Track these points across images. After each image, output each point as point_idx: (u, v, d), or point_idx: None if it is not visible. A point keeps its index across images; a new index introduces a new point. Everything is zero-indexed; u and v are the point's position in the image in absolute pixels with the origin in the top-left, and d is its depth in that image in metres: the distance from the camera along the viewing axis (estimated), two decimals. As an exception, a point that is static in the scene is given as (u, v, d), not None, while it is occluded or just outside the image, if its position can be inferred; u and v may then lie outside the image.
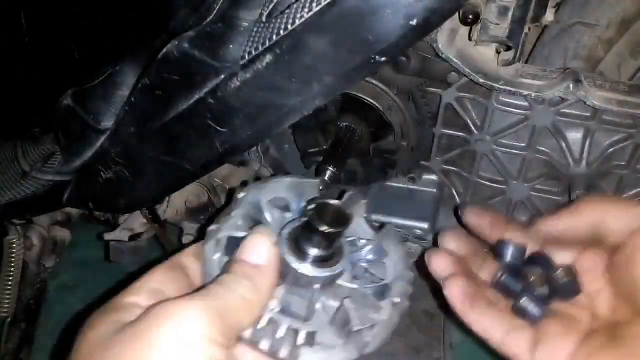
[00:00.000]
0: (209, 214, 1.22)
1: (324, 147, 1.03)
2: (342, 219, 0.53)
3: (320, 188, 0.63)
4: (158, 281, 0.52)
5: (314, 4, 0.68)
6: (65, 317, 1.65)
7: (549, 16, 0.82)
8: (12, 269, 1.27)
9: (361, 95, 0.96)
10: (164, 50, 0.78)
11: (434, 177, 1.09)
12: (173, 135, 0.85)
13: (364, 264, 0.60)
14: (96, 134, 0.95)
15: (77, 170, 1.01)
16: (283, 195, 0.61)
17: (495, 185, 1.02)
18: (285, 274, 0.53)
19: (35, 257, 1.29)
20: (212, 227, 0.56)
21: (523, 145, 0.95)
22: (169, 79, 0.80)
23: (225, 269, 0.51)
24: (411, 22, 0.66)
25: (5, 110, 1.16)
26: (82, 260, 1.82)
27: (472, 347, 1.51)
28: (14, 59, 1.08)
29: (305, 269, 0.53)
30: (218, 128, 0.81)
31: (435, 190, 1.10)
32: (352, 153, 1.00)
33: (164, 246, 1.27)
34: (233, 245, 0.54)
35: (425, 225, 1.07)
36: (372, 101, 0.96)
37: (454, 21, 0.81)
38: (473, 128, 0.95)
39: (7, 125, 1.19)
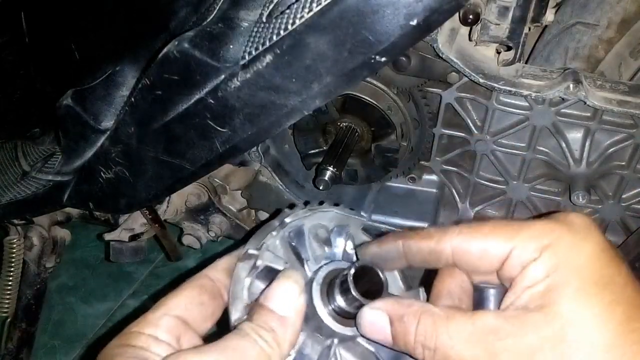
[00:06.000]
0: (209, 214, 1.22)
1: (324, 147, 1.03)
2: (377, 290, 0.53)
3: (363, 227, 0.62)
4: (182, 307, 0.51)
5: (314, 4, 0.68)
6: (65, 317, 1.66)
7: (549, 16, 0.82)
8: (12, 269, 1.27)
9: (361, 95, 0.96)
10: (164, 50, 0.78)
11: (434, 177, 1.09)
12: (173, 135, 0.85)
13: None
14: (96, 134, 0.95)
15: (77, 170, 1.01)
16: (325, 224, 0.60)
17: (495, 185, 1.02)
18: (309, 316, 0.53)
19: (35, 257, 1.29)
20: (252, 251, 0.54)
21: (523, 145, 0.95)
22: (169, 79, 0.80)
23: (249, 314, 0.50)
24: (411, 22, 0.66)
25: (5, 110, 1.16)
26: (82, 260, 1.83)
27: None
28: (14, 59, 1.08)
29: (331, 320, 0.52)
30: (218, 128, 0.81)
31: (435, 190, 1.10)
32: (353, 152, 1.01)
33: (164, 246, 1.27)
34: (265, 272, 0.53)
35: (425, 225, 1.07)
36: (372, 101, 0.96)
37: (454, 21, 0.81)
38: (473, 128, 0.95)
39: (7, 125, 1.19)
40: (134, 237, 1.20)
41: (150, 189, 0.94)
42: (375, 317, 0.51)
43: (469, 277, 0.53)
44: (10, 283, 1.27)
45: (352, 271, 0.51)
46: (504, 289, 0.49)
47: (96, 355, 0.48)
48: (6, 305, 1.28)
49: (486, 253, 0.48)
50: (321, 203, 0.61)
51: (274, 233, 0.56)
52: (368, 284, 0.52)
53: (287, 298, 0.50)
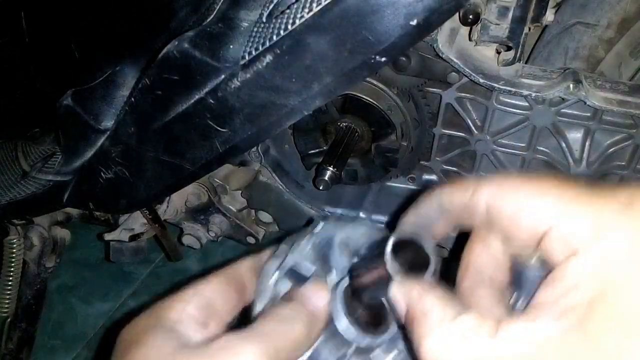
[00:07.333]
0: (209, 214, 1.22)
1: (324, 147, 1.03)
2: (421, 268, 0.50)
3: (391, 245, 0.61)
4: (210, 294, 0.50)
5: (314, 4, 0.68)
6: (65, 317, 1.66)
7: (549, 16, 0.82)
8: (12, 269, 1.27)
9: (361, 95, 0.96)
10: (164, 50, 0.78)
11: (434, 177, 1.09)
12: (173, 135, 0.85)
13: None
14: (96, 134, 0.95)
15: (77, 170, 1.01)
16: (357, 238, 0.60)
17: (495, 185, 1.02)
18: (326, 325, 0.53)
19: (35, 257, 1.29)
20: (284, 248, 0.56)
21: (523, 145, 0.95)
22: (169, 79, 0.80)
23: (287, 298, 0.51)
24: (411, 22, 0.66)
25: (5, 110, 1.16)
26: (82, 260, 1.83)
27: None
28: (14, 59, 1.08)
29: (347, 328, 0.53)
30: (218, 128, 0.81)
31: (435, 190, 1.10)
32: (353, 152, 1.01)
33: (164, 246, 1.27)
34: (292, 272, 0.55)
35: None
36: (372, 101, 0.96)
37: (454, 21, 0.81)
38: (473, 128, 0.95)
39: (7, 125, 1.19)
40: (134, 237, 1.20)
41: (150, 189, 0.94)
42: (396, 296, 0.42)
43: (507, 246, 0.41)
44: (10, 283, 1.27)
45: (391, 241, 0.44)
46: (547, 273, 0.36)
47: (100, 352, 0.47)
48: (6, 305, 1.28)
49: (520, 219, 0.37)
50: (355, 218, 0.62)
51: (306, 237, 0.57)
52: (410, 261, 0.44)
53: (321, 297, 0.51)
